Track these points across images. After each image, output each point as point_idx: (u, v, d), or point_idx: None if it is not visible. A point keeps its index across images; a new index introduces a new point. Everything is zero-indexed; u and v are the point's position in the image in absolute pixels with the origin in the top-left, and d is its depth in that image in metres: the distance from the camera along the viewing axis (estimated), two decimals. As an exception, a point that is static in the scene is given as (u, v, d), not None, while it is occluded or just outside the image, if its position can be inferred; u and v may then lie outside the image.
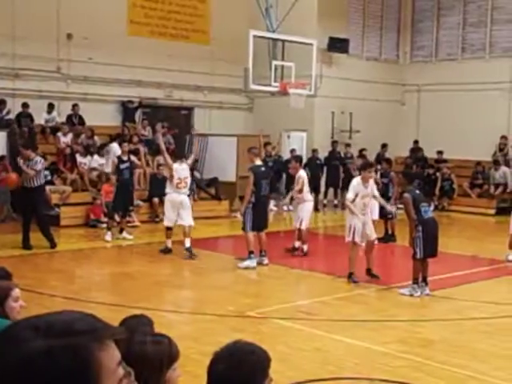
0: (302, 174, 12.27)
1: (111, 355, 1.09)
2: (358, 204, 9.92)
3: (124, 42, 18.51)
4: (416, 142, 21.73)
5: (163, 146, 12.29)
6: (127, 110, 18.80)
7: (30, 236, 11.93)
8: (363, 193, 9.93)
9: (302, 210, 12.19)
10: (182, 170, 11.73)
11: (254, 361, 2.32)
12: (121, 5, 18.70)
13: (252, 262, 10.82)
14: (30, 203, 11.94)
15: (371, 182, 10.20)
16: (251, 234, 10.93)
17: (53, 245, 12.01)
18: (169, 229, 11.88)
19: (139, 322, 3.04)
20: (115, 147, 15.07)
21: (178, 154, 12.69)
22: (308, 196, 12.37)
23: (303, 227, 12.00)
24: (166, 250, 11.90)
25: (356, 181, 10.07)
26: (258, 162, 11.36)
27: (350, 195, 9.98)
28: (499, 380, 6.21)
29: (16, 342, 1.04)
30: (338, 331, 7.57)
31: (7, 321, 4.12)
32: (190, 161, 12.28)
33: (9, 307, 3.92)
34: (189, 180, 12.04)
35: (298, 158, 13.90)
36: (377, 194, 10.56)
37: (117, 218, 13.57)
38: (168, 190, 11.88)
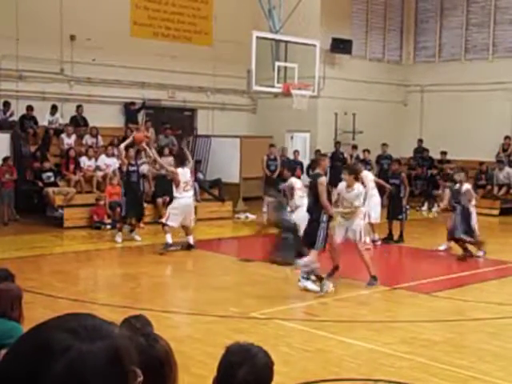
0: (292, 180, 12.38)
1: (136, 355, 1.12)
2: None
3: (127, 43, 18.54)
4: (420, 140, 21.71)
5: (158, 159, 13.49)
6: (130, 111, 18.83)
7: None
8: (344, 196, 10.06)
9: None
10: (185, 173, 12.28)
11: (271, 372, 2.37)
12: (124, 6, 18.74)
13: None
14: None
15: (356, 186, 10.10)
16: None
17: None
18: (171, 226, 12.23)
19: (141, 322, 3.03)
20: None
21: (180, 160, 12.92)
22: (301, 201, 11.84)
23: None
24: (169, 246, 12.06)
25: (341, 184, 10.21)
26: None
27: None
28: (503, 381, 6.20)
29: (60, 348, 1.03)
30: (341, 332, 7.57)
31: (16, 324, 4.10)
32: (189, 167, 12.73)
33: None
34: (191, 182, 12.63)
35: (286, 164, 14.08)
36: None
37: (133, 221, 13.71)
38: (176, 194, 12.22)
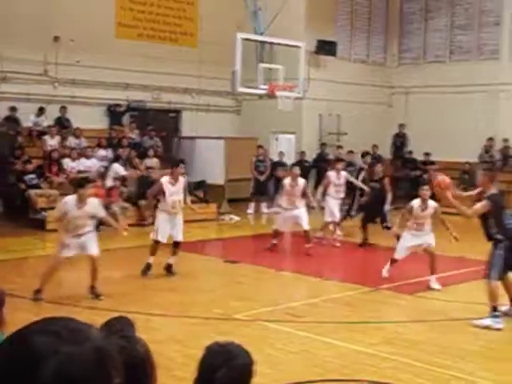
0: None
1: (119, 357, 1.15)
2: None
3: (112, 44, 18.45)
4: (401, 125, 21.90)
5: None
6: (114, 113, 18.75)
7: None
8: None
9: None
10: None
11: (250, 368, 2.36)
12: (109, 7, 18.65)
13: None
14: None
15: None
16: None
17: None
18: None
19: (122, 324, 3.00)
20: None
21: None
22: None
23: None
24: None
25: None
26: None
27: None
28: (486, 380, 6.23)
29: (47, 351, 1.03)
30: (325, 333, 7.57)
31: None
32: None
33: None
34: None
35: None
36: None
37: None
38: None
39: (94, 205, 9.05)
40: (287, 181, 12.63)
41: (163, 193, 10.34)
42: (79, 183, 9.24)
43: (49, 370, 1.00)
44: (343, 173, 14.12)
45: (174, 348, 6.76)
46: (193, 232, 14.98)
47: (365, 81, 21.91)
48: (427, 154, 20.71)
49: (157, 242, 10.40)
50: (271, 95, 16.63)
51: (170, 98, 19.99)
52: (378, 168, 14.18)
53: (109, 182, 15.58)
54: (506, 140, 20.29)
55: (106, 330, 2.61)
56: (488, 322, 7.90)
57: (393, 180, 19.98)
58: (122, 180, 16.18)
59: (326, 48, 20.49)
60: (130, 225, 14.49)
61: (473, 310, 8.47)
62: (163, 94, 19.82)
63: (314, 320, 8.13)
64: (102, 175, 15.85)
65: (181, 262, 11.81)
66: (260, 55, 17.81)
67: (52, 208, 14.94)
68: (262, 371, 6.11)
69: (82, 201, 8.84)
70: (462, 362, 6.73)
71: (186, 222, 16.17)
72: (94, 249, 9.12)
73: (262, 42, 17.72)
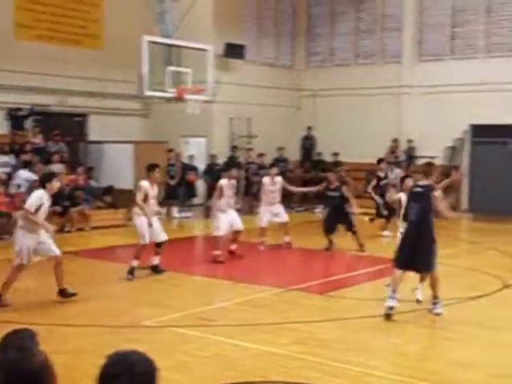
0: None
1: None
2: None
3: (11, 46, 17.72)
4: (309, 127, 22.30)
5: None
6: (15, 117, 17.98)
7: None
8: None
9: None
10: None
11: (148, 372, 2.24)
12: (5, 7, 17.88)
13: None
14: None
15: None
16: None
17: None
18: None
19: (18, 337, 2.84)
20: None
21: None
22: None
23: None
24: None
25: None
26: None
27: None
28: (394, 375, 6.37)
29: None
30: (237, 336, 7.53)
31: None
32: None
33: None
34: None
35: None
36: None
37: None
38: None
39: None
40: (225, 182, 12.25)
41: (146, 196, 10.52)
42: (46, 177, 9.22)
43: None
44: (278, 178, 13.77)
45: (83, 359, 6.53)
46: (101, 238, 14.65)
47: (274, 84, 22.13)
48: (336, 154, 21.12)
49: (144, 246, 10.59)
50: (179, 99, 16.50)
51: (75, 102, 19.40)
52: (332, 176, 13.84)
53: (12, 189, 15.03)
54: (410, 141, 21.01)
55: (2, 343, 2.45)
56: (387, 302, 8.19)
57: (304, 183, 20.39)
58: (33, 187, 15.56)
59: (234, 51, 20.54)
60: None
61: (380, 308, 8.65)
62: (68, 98, 19.22)
63: (226, 323, 8.08)
64: (4, 182, 15.22)
65: (88, 269, 11.49)
66: (168, 58, 17.65)
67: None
68: (173, 377, 6.02)
69: (48, 194, 8.94)
70: (371, 358, 6.86)
71: (94, 228, 15.92)
72: (56, 249, 9.05)
73: (169, 45, 17.56)
